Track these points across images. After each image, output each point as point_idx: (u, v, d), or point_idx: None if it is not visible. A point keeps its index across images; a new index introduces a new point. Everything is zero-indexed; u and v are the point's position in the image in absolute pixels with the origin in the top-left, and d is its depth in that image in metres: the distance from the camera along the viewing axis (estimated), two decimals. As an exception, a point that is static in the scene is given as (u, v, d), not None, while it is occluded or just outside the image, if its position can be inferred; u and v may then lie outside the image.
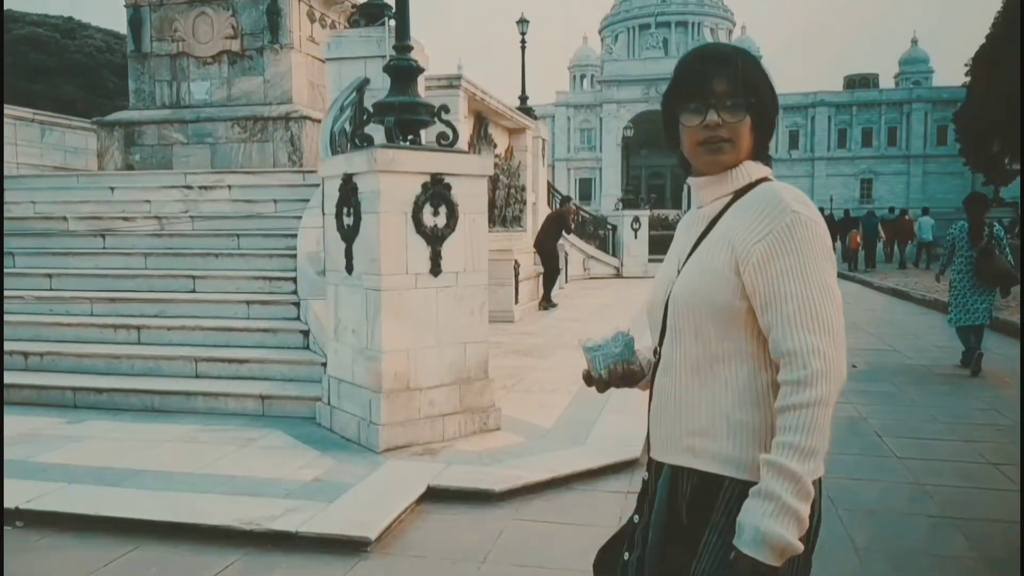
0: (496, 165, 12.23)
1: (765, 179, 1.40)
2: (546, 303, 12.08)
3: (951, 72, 79.39)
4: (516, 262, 10.30)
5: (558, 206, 14.08)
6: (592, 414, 5.20)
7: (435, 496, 3.80)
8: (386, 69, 4.94)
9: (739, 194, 1.38)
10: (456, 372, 4.74)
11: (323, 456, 4.35)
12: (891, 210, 29.00)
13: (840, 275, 14.62)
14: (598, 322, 10.15)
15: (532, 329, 9.43)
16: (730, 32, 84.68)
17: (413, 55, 6.19)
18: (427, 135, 5.06)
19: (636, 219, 19.35)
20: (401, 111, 4.72)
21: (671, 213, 48.37)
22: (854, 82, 76.52)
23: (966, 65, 30.54)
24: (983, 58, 28.51)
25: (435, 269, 4.62)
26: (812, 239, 1.28)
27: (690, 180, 1.47)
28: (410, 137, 4.84)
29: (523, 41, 17.02)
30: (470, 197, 4.78)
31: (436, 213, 4.60)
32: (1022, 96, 9.08)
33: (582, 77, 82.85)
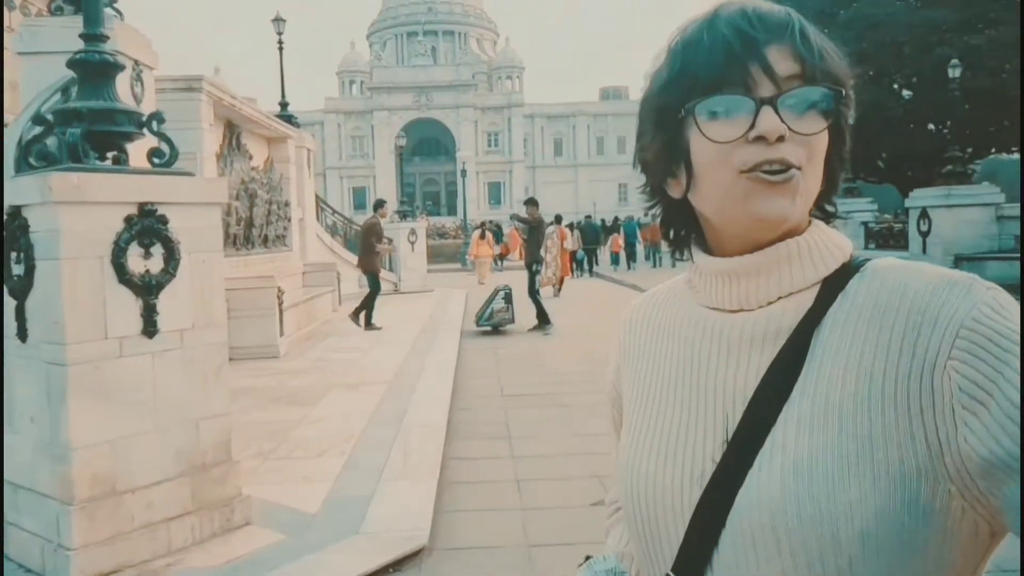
0: (253, 179, 10.90)
1: (866, 257, 0.74)
2: (368, 325, 11.07)
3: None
4: (280, 289, 9.11)
5: (373, 212, 12.93)
6: (369, 484, 4.36)
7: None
8: (71, 64, 3.72)
9: (832, 286, 0.71)
10: (186, 460, 3.66)
11: (-13, 603, 3.11)
12: (646, 214, 31.75)
13: (612, 279, 15.09)
14: (379, 349, 9.27)
15: (300, 365, 8.33)
16: (495, 43, 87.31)
17: (127, 47, 4.91)
18: (141, 151, 3.91)
19: (413, 231, 18.66)
20: (93, 120, 3.55)
21: (447, 221, 48.50)
22: (608, 93, 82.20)
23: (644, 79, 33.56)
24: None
25: (149, 328, 3.51)
26: None
27: (704, 262, 0.77)
28: (111, 155, 3.70)
29: (280, 42, 15.63)
30: (197, 232, 3.72)
31: (148, 255, 3.50)
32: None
33: (351, 83, 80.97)
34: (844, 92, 0.69)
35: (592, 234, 25.87)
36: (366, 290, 17.26)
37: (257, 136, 11.62)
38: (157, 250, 3.54)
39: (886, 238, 17.67)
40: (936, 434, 0.61)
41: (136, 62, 5.71)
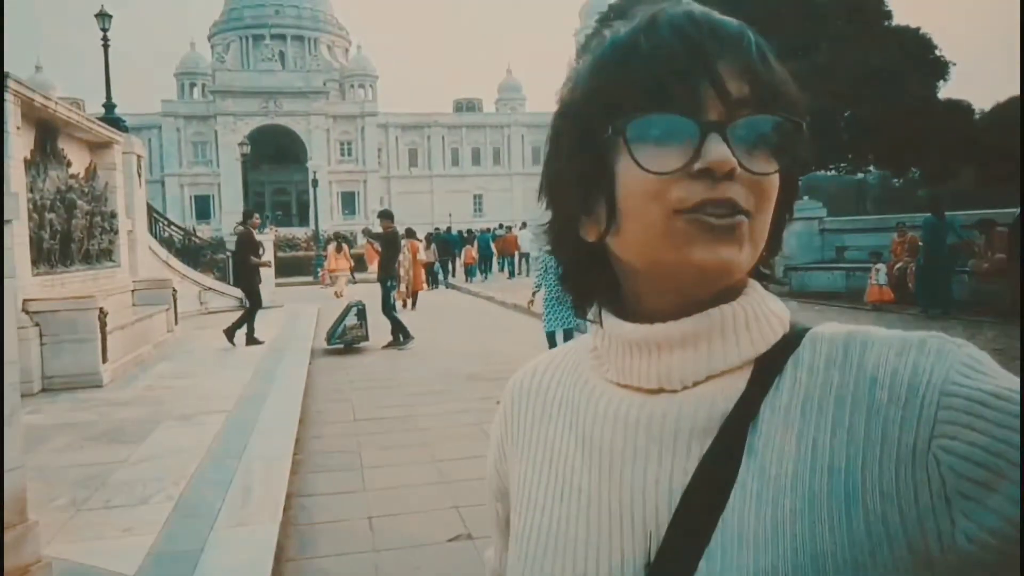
0: (72, 188, 9.83)
1: (804, 327, 0.61)
2: (250, 340, 10.48)
3: (541, 100, 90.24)
4: (102, 310, 8.21)
5: (243, 223, 12.02)
6: (200, 534, 3.88)
7: None
8: None
9: (769, 364, 0.58)
10: (-33, 525, 3.07)
11: None
12: (500, 226, 32.69)
13: (467, 290, 15.15)
14: (219, 373, 8.57)
15: (127, 395, 7.52)
16: (346, 50, 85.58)
17: None
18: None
19: (260, 244, 17.66)
20: None
21: (299, 232, 46.74)
22: (462, 106, 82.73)
23: (556, 94, 34.55)
24: (568, 90, 32.57)
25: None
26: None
27: (616, 328, 0.62)
28: None
29: (105, 39, 14.34)
30: (-22, 255, 3.15)
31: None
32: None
33: (192, 86, 76.62)
34: (803, 125, 0.56)
35: (448, 246, 26.06)
36: (206, 308, 16.20)
37: (78, 141, 10.49)
38: (-75, 277, 2.95)
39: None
40: (923, 536, 0.49)
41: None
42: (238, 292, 17.31)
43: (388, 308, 10.91)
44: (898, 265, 12.29)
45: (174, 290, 12.35)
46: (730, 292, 0.58)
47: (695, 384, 0.58)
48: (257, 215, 11.97)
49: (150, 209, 15.03)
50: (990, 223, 11.43)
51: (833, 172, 33.28)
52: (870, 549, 0.49)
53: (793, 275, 15.23)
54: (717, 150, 0.52)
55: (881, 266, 12.25)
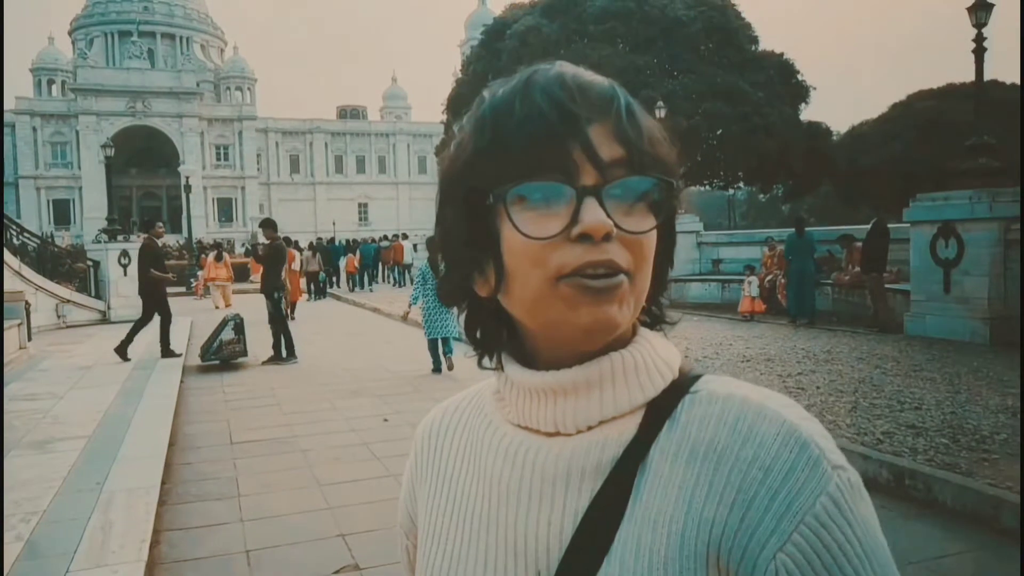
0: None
1: (688, 369, 0.65)
2: (121, 351, 10.07)
3: (426, 109, 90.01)
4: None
5: (144, 232, 11.22)
6: (52, 579, 3.50)
7: None
8: None
9: (659, 410, 0.61)
10: None
11: None
12: (385, 237, 32.75)
13: (351, 300, 14.87)
14: (78, 394, 7.88)
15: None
16: (222, 51, 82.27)
17: None
18: None
19: (125, 253, 16.54)
20: None
21: (171, 239, 44.27)
22: (346, 113, 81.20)
23: (442, 105, 34.54)
24: (453, 102, 32.64)
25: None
26: (875, 529, 0.55)
27: (516, 375, 0.64)
28: None
29: (-55, 26, 13.01)
30: None
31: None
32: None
33: (50, 82, 71.33)
34: (675, 183, 0.60)
35: (330, 255, 25.57)
36: (64, 322, 14.97)
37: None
38: None
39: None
40: None
41: None
42: (100, 305, 16.18)
43: (279, 321, 10.43)
44: (768, 277, 12.99)
45: (27, 303, 11.33)
46: (620, 340, 0.61)
47: (589, 428, 0.61)
48: (160, 224, 11.20)
49: (1, 215, 13.75)
50: (850, 238, 12.29)
51: (707, 187, 34.98)
52: None
53: (672, 286, 15.79)
54: (593, 214, 0.55)
55: (753, 278, 12.89)
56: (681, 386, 0.62)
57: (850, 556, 0.53)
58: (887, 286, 11.08)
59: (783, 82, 28.78)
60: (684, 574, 0.54)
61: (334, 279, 25.80)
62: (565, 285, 0.56)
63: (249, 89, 76.84)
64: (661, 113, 18.66)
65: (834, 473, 0.55)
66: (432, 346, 9.06)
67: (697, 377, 0.63)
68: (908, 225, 10.46)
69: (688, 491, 0.56)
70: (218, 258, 20.79)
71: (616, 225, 0.55)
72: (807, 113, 30.58)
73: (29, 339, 11.11)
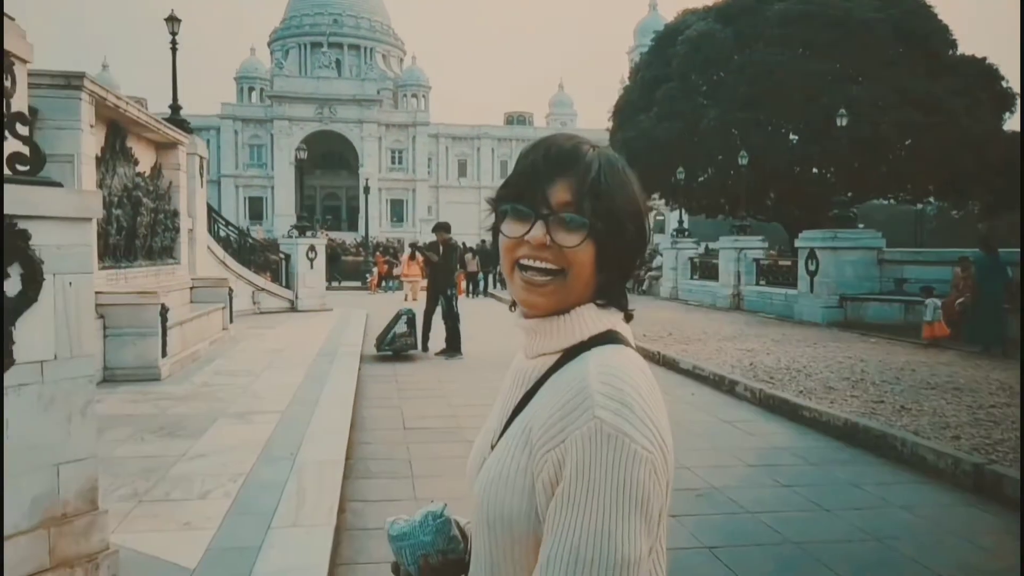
0: (138, 186, 10.14)
1: (608, 335, 0.99)
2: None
3: (592, 115, 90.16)
4: (164, 305, 8.44)
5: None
6: (257, 532, 3.95)
7: None
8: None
9: (568, 355, 0.99)
10: (43, 510, 3.18)
11: None
12: None
13: (504, 299, 15.28)
14: (272, 374, 8.72)
15: (184, 391, 7.70)
16: (401, 60, 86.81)
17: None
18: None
19: (312, 248, 17.98)
20: (-59, 117, 3.06)
21: (348, 237, 47.39)
22: (513, 119, 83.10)
23: (608, 111, 34.49)
24: (620, 109, 32.48)
25: (3, 360, 3.03)
26: (608, 468, 0.85)
27: (515, 319, 1.07)
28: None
29: (174, 42, 14.77)
30: (65, 250, 3.27)
31: (4, 275, 3.03)
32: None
33: (250, 90, 78.45)
34: (603, 225, 0.95)
35: (489, 257, 26.24)
36: (259, 308, 16.53)
37: (145, 140, 10.85)
38: (15, 270, 3.07)
39: (775, 275, 18.37)
40: (534, 478, 0.91)
41: (7, 53, 5.11)
42: (289, 294, 17.61)
43: (452, 316, 10.96)
44: (959, 300, 11.92)
45: (230, 289, 12.62)
46: (565, 309, 0.99)
47: (536, 356, 1.02)
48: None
49: (209, 209, 15.41)
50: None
51: (891, 201, 32.51)
52: (527, 469, 0.92)
53: (849, 304, 14.91)
54: (536, 230, 0.95)
55: (932, 300, 11.90)
56: (586, 346, 0.97)
57: (579, 472, 0.85)
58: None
59: (984, 89, 26.20)
60: (517, 445, 0.94)
61: (492, 279, 26.49)
62: (519, 275, 0.98)
63: (424, 96, 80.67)
64: (843, 122, 17.62)
65: (592, 420, 0.86)
66: None
67: (600, 344, 0.97)
68: None
69: (541, 405, 0.94)
70: (412, 256, 22.73)
71: (552, 239, 0.94)
72: (1012, 123, 27.67)
73: (231, 321, 12.37)
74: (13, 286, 3.06)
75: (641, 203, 1.00)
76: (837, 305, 15.00)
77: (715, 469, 5.55)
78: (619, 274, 1.01)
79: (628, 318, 1.04)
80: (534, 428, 0.91)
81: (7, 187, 3.10)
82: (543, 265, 0.95)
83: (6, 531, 3.06)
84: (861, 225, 16.22)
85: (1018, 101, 26.87)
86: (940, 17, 27.42)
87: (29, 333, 3.11)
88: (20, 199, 3.09)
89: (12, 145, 3.29)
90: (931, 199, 32.12)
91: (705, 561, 3.96)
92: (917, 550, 4.14)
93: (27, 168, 3.18)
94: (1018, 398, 7.41)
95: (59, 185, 3.35)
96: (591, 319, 0.99)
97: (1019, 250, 11.78)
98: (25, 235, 3.08)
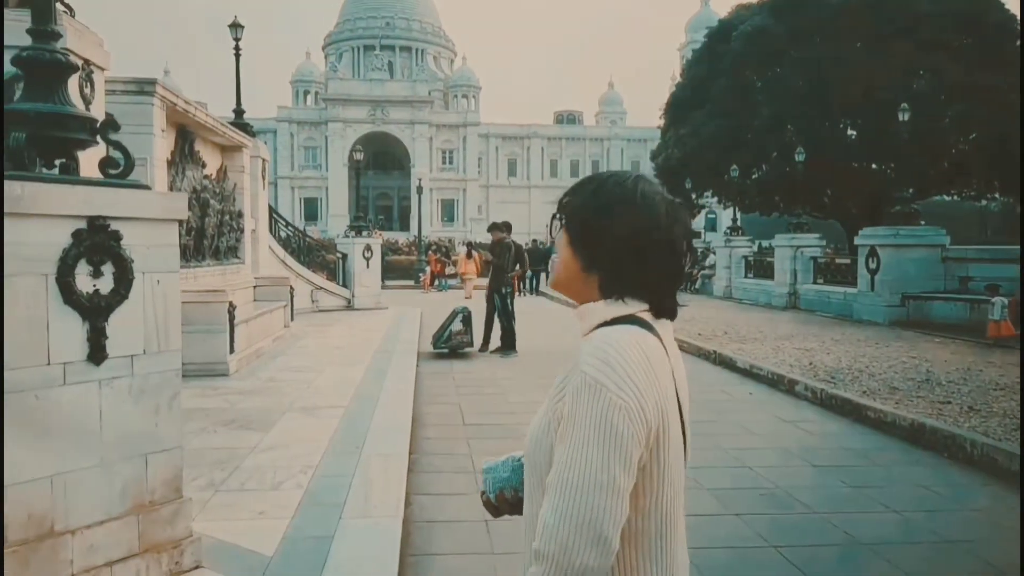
0: (205, 188, 10.48)
1: (627, 319, 1.23)
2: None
3: (642, 114, 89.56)
4: (231, 304, 8.72)
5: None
6: (329, 522, 4.08)
7: None
8: (17, 62, 3.40)
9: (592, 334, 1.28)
10: (133, 497, 3.35)
11: None
12: None
13: (554, 297, 14.86)
14: (334, 370, 8.94)
15: (251, 386, 7.95)
16: (451, 61, 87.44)
17: (78, 46, 4.60)
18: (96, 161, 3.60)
19: (368, 247, 18.28)
20: (40, 124, 3.24)
21: (400, 237, 47.99)
22: (562, 118, 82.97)
23: (660, 110, 34.20)
24: (671, 106, 32.17)
25: (97, 354, 3.20)
26: (587, 410, 1.12)
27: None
28: (60, 162, 3.39)
29: (237, 48, 15.21)
30: (153, 250, 3.44)
31: (97, 273, 3.20)
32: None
33: (305, 93, 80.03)
34: (563, 219, 1.31)
35: (538, 256, 26.27)
36: (317, 306, 16.90)
37: (211, 144, 11.21)
38: (108, 269, 3.24)
39: (833, 273, 17.98)
40: (551, 424, 1.22)
41: (87, 62, 5.37)
42: (346, 293, 17.95)
43: (507, 315, 11.05)
44: (1029, 298, 11.50)
45: (291, 288, 12.94)
46: (581, 300, 1.30)
47: (583, 336, 1.25)
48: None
49: (270, 210, 15.80)
50: None
51: (954, 197, 31.50)
52: (550, 418, 1.23)
53: (911, 303, 14.51)
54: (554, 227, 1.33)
55: (999, 299, 11.51)
56: (600, 327, 1.21)
57: (569, 415, 1.14)
58: None
59: (1056, 79, 25.17)
60: (549, 401, 1.24)
61: (542, 277, 26.54)
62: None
63: (474, 97, 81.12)
64: (905, 116, 17.15)
65: (581, 374, 1.14)
66: None
67: (605, 327, 1.21)
68: None
69: (564, 371, 1.21)
70: (468, 255, 23.44)
71: (552, 237, 1.37)
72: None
73: (292, 319, 12.68)
74: (105, 284, 3.24)
75: (627, 212, 1.22)
76: (899, 304, 14.61)
77: (779, 469, 5.50)
78: (616, 274, 1.24)
79: (659, 313, 1.25)
80: (555, 386, 1.23)
81: (100, 190, 3.28)
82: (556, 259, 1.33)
83: (98, 519, 3.24)
84: (923, 222, 15.74)
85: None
86: (1007, 7, 26.41)
87: (121, 328, 3.27)
88: (112, 201, 3.26)
89: (100, 150, 3.48)
90: (996, 195, 31.02)
91: (773, 560, 3.94)
92: (991, 553, 4.05)
93: (118, 171, 3.36)
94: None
95: (147, 188, 3.52)
96: (596, 310, 1.25)
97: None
98: (117, 235, 3.25)
